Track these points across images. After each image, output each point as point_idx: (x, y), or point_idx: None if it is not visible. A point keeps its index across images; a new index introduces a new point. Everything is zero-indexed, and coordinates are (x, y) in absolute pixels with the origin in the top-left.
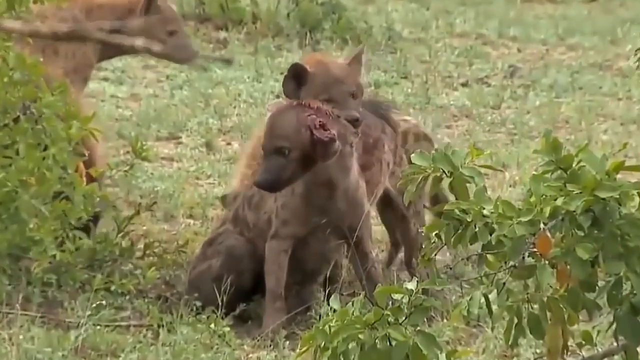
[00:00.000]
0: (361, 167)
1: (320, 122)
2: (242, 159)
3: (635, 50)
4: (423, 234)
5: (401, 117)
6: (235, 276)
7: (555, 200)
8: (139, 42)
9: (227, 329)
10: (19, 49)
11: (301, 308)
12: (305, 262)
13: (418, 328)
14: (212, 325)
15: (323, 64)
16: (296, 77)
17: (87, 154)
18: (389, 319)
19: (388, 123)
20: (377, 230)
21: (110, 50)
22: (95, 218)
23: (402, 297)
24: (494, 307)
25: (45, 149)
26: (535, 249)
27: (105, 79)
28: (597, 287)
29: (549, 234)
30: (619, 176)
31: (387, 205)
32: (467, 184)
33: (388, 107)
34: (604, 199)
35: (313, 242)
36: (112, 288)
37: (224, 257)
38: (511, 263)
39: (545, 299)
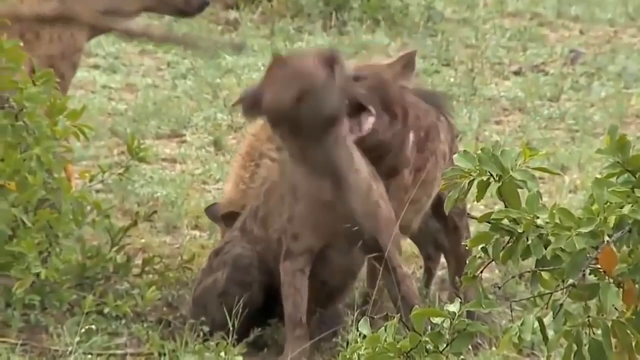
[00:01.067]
0: (415, 169)
1: None
2: (236, 159)
3: None
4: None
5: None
6: (243, 289)
7: (622, 208)
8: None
9: (240, 358)
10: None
11: (326, 333)
12: (327, 280)
13: (462, 357)
14: (222, 354)
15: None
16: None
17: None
18: (427, 346)
19: (442, 113)
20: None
21: (98, 30)
22: None
23: (443, 321)
24: (550, 333)
25: (27, 149)
26: (598, 265)
27: (96, 67)
28: None
29: (614, 248)
30: None
31: (435, 212)
32: (519, 190)
33: (443, 97)
34: None
35: (333, 256)
36: (106, 311)
37: (230, 269)
38: (570, 281)
39: (609, 323)
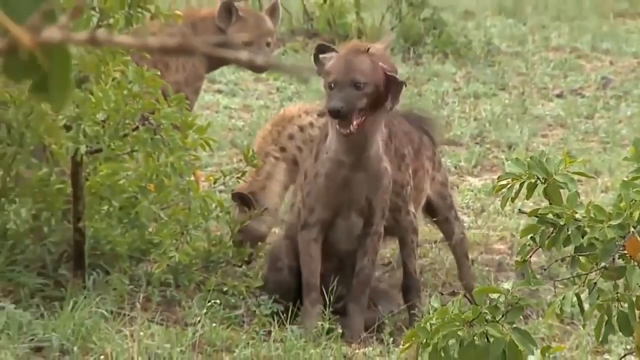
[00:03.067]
0: (413, 171)
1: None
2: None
3: None
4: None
5: None
6: (276, 275)
7: None
8: (243, 55)
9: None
10: (136, 64)
11: (377, 323)
12: (333, 243)
13: (514, 325)
14: (320, 322)
15: None
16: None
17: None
18: (486, 317)
19: (426, 134)
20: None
21: (216, 61)
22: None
23: (499, 297)
24: (586, 306)
25: (163, 157)
26: (625, 251)
27: (219, 92)
28: None
29: (638, 237)
30: None
31: (430, 211)
32: (561, 190)
33: (429, 122)
34: None
35: (339, 222)
36: (226, 289)
37: (267, 259)
38: (602, 264)
39: (634, 298)
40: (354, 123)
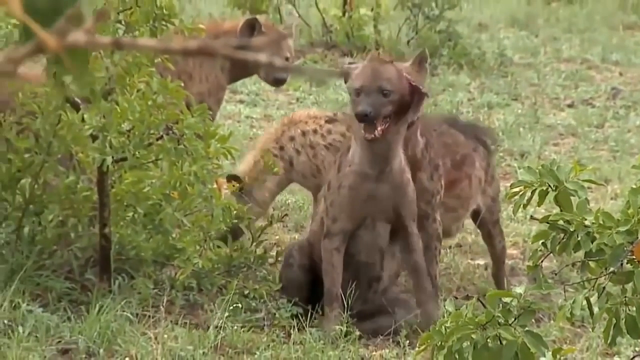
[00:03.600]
0: (451, 182)
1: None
2: (254, 148)
3: None
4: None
5: None
6: (287, 271)
7: None
8: (262, 57)
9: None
10: (160, 75)
11: (399, 322)
12: (357, 256)
13: (526, 328)
14: (339, 325)
15: None
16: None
17: None
18: (499, 320)
19: (483, 145)
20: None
21: (238, 72)
22: (235, 231)
23: (512, 300)
24: (595, 309)
25: (187, 166)
26: (633, 256)
27: (241, 102)
28: None
29: None
30: None
31: (475, 220)
32: (572, 197)
33: (485, 132)
34: None
35: (362, 234)
36: (247, 292)
37: (282, 262)
38: (611, 269)
39: None
40: (379, 129)
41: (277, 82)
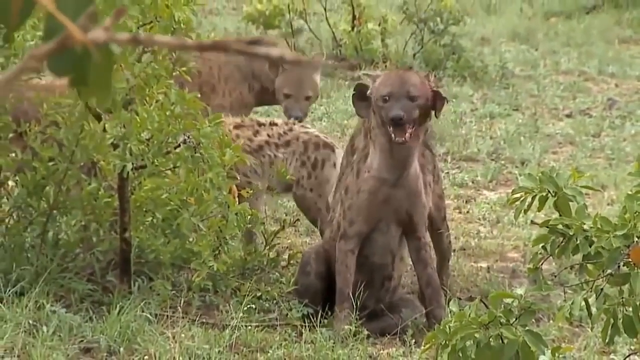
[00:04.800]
0: None
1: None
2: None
3: None
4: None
5: (304, 129)
6: (304, 278)
7: None
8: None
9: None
10: (181, 86)
11: (405, 323)
12: (371, 258)
13: (527, 328)
14: (349, 325)
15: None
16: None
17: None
18: (501, 320)
19: (427, 147)
20: None
21: (266, 97)
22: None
23: (513, 301)
24: (594, 310)
25: (203, 173)
26: (629, 259)
27: (254, 112)
28: None
29: None
30: None
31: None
32: (570, 203)
33: (429, 135)
34: None
35: (376, 236)
36: (260, 294)
37: (299, 265)
38: (608, 271)
39: (638, 302)
40: (408, 132)
41: (295, 119)
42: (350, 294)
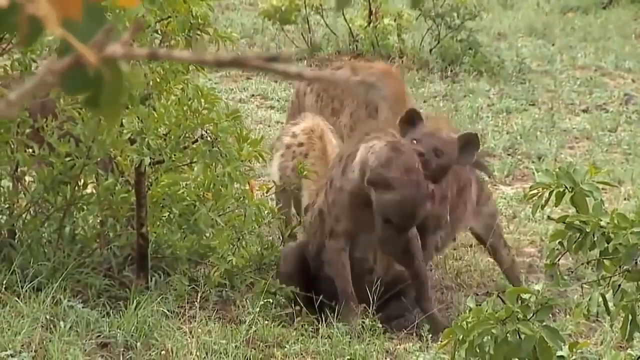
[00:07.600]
0: (450, 207)
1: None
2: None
3: None
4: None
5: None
6: (284, 274)
7: None
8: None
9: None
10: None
11: (396, 322)
12: (352, 252)
13: (544, 323)
14: (364, 320)
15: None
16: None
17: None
18: (518, 316)
19: (480, 168)
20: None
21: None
22: None
23: (530, 297)
24: (611, 306)
25: (221, 168)
26: None
27: (272, 107)
28: None
29: None
30: None
31: (479, 242)
32: (587, 198)
33: (481, 154)
34: None
35: (362, 236)
36: (274, 290)
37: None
38: (625, 267)
39: None
40: None
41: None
42: (353, 292)
